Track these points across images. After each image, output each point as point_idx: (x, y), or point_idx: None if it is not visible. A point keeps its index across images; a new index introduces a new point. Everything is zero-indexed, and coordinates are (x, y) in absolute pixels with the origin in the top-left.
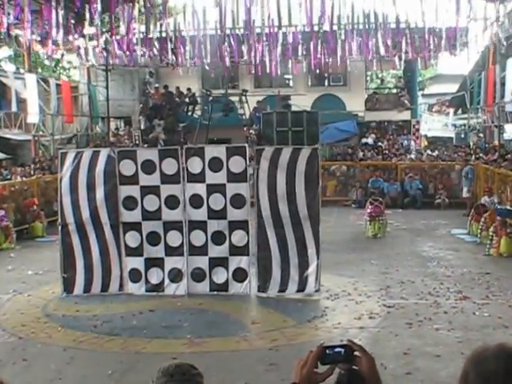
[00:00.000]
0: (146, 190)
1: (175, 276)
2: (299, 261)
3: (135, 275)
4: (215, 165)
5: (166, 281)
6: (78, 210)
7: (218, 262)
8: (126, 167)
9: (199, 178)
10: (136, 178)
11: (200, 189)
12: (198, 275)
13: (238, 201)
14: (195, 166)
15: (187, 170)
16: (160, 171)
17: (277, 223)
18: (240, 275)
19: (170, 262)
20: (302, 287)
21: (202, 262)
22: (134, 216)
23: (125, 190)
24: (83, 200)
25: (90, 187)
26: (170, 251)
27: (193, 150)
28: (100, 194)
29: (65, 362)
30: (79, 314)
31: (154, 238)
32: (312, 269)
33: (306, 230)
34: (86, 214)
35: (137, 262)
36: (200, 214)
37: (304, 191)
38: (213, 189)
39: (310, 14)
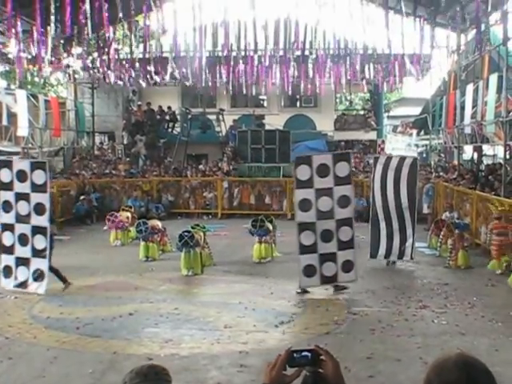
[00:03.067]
0: (20, 196)
1: (38, 276)
2: (400, 237)
3: (8, 271)
4: (322, 171)
5: (30, 279)
6: None
7: (328, 258)
8: (4, 174)
9: (307, 184)
10: (12, 185)
11: (309, 194)
12: (309, 271)
13: (343, 201)
14: (303, 173)
15: (296, 177)
16: (31, 181)
17: (385, 210)
18: (347, 266)
19: (35, 263)
20: (401, 256)
21: (313, 259)
22: (9, 218)
23: (4, 195)
24: None
25: None
26: (36, 253)
27: (301, 158)
28: None
29: (48, 361)
30: (63, 316)
31: (23, 240)
32: (409, 243)
33: (405, 215)
34: None
35: (10, 260)
36: (309, 217)
37: (406, 188)
38: (321, 193)
39: (284, 40)
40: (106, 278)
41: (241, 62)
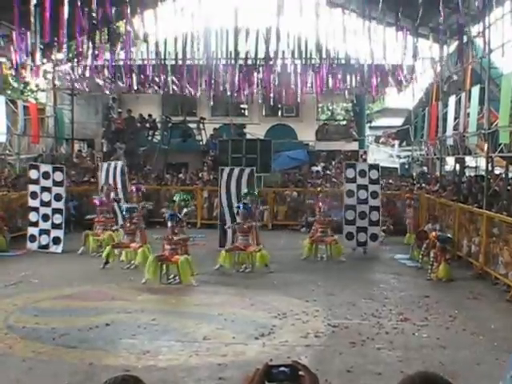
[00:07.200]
0: (44, 189)
1: (56, 241)
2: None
3: (33, 238)
4: (362, 174)
5: (51, 243)
6: None
7: (362, 230)
8: (33, 173)
9: (352, 180)
10: (39, 181)
11: (353, 187)
12: (349, 236)
13: (374, 194)
14: (350, 173)
15: (346, 175)
16: (52, 179)
17: (230, 206)
18: (374, 237)
19: (54, 233)
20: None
21: (352, 229)
22: (36, 203)
23: (31, 188)
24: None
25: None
26: (55, 226)
27: (349, 164)
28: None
29: (23, 372)
30: (39, 327)
31: (46, 217)
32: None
33: None
34: None
35: (34, 231)
36: (352, 201)
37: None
38: (360, 187)
39: (266, 49)
40: (82, 288)
41: (221, 70)
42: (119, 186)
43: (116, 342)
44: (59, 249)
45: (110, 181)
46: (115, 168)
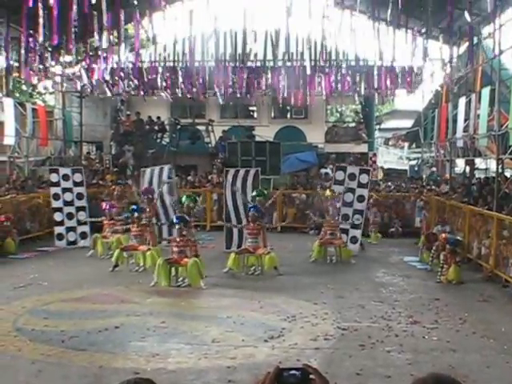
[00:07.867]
0: (65, 190)
1: (83, 236)
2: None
3: (61, 237)
4: (352, 177)
5: (78, 239)
6: None
7: (343, 231)
8: (53, 177)
9: (340, 182)
10: (59, 183)
11: (339, 189)
12: None
13: (360, 198)
14: (340, 176)
15: (335, 177)
16: (72, 180)
17: (235, 206)
18: (354, 240)
19: (80, 229)
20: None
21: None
22: (59, 203)
23: (53, 190)
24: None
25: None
26: (80, 223)
27: (340, 167)
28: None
29: (33, 375)
30: (48, 329)
31: (71, 215)
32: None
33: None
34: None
35: (61, 229)
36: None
37: (250, 190)
38: (347, 190)
39: (273, 50)
40: (91, 291)
41: (230, 72)
42: (165, 190)
43: (125, 344)
44: (87, 243)
45: (154, 186)
46: (160, 173)
